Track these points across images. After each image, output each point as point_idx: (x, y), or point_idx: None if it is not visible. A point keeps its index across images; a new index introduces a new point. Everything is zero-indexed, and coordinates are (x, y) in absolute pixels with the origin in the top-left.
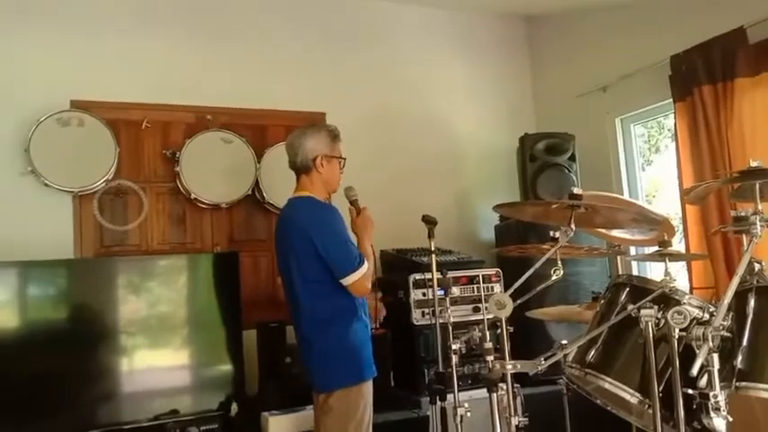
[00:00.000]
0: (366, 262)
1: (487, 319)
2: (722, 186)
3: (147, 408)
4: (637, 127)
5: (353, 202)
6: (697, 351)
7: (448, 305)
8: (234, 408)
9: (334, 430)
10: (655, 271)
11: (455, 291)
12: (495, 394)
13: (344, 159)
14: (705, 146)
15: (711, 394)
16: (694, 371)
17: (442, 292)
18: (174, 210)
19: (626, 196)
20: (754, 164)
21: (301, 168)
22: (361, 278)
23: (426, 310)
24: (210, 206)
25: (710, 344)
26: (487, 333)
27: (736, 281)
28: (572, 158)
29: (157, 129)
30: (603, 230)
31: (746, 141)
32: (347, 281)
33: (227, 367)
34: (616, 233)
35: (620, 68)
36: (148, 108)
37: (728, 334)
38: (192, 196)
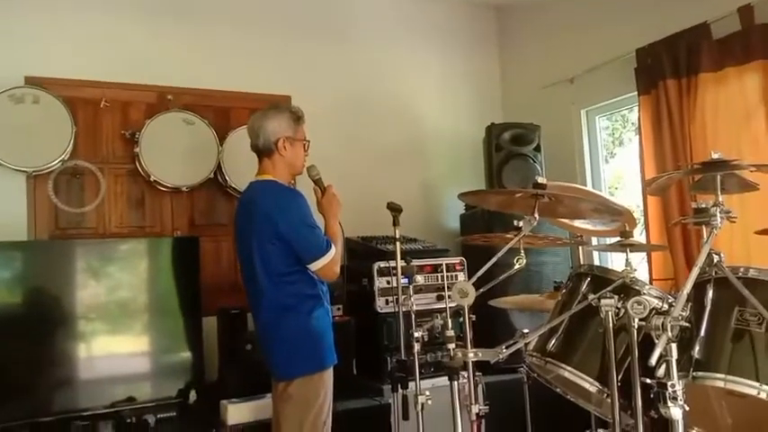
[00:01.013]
0: (334, 246)
1: (450, 307)
2: (683, 178)
3: (103, 395)
4: (601, 119)
5: (317, 182)
6: (656, 341)
7: (411, 293)
8: (192, 395)
9: (293, 418)
10: (616, 262)
11: (419, 279)
12: (456, 382)
13: (308, 142)
14: (668, 139)
15: (669, 383)
16: (653, 360)
17: (407, 281)
18: (133, 192)
19: (589, 187)
20: (715, 155)
21: (263, 151)
22: (329, 262)
23: (390, 298)
24: (171, 189)
25: (669, 333)
26: (449, 321)
27: (695, 272)
28: (537, 149)
29: (116, 108)
30: (566, 221)
31: (708, 136)
32: (315, 266)
33: (186, 354)
34: (578, 224)
35: (587, 60)
36: (107, 86)
37: (687, 324)
38: (152, 179)
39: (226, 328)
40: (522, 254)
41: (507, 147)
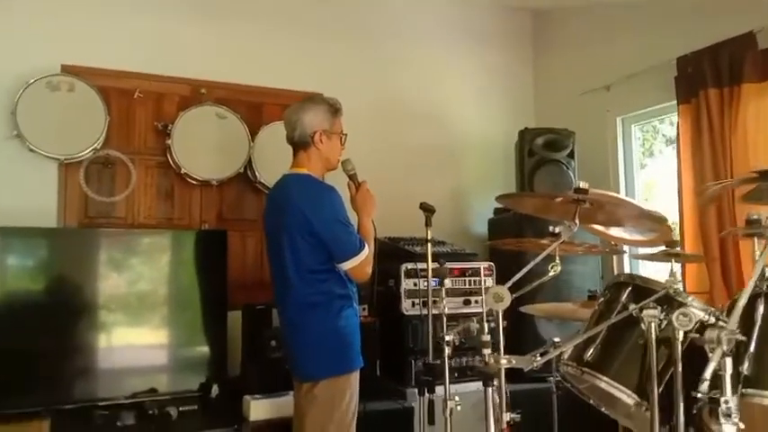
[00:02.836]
0: (367, 246)
1: (479, 311)
2: (724, 190)
3: (125, 385)
4: (636, 128)
5: (352, 177)
6: (710, 354)
7: (443, 296)
8: (215, 389)
9: (318, 420)
10: (650, 272)
11: (447, 282)
12: (490, 388)
13: (345, 135)
14: (708, 150)
15: (723, 399)
16: (707, 374)
17: (436, 283)
18: (163, 184)
19: (623, 196)
20: None
21: (299, 144)
22: (361, 262)
23: (416, 301)
24: (200, 182)
25: (725, 347)
26: (486, 325)
27: (751, 285)
28: (571, 155)
29: (150, 99)
30: (601, 228)
31: (749, 148)
32: (347, 265)
33: (209, 348)
34: (614, 232)
35: (625, 68)
36: (142, 77)
37: (743, 338)
38: (182, 171)
39: (250, 324)
40: (558, 261)
41: (540, 152)
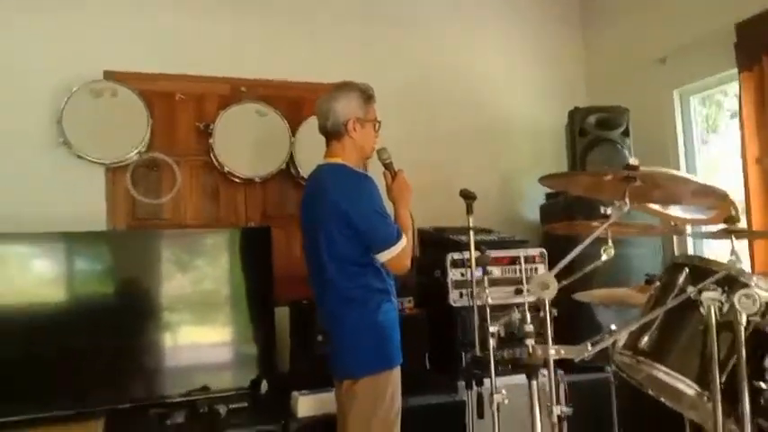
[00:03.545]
0: (404, 236)
1: (529, 300)
2: None
3: (178, 385)
4: (696, 102)
5: (387, 165)
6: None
7: (486, 285)
8: (264, 386)
9: (361, 418)
10: (714, 254)
11: (496, 272)
12: (534, 381)
13: (379, 122)
14: None
15: None
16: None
17: (481, 272)
18: (208, 183)
19: (678, 171)
20: None
21: (332, 133)
22: (399, 253)
23: (464, 291)
24: (244, 180)
25: None
26: (528, 315)
27: None
28: (625, 133)
29: (191, 101)
30: (658, 208)
31: None
32: (384, 257)
33: (258, 345)
34: (672, 211)
35: (680, 37)
36: (182, 79)
37: None
38: (226, 170)
39: (297, 320)
40: (610, 243)
41: (593, 131)
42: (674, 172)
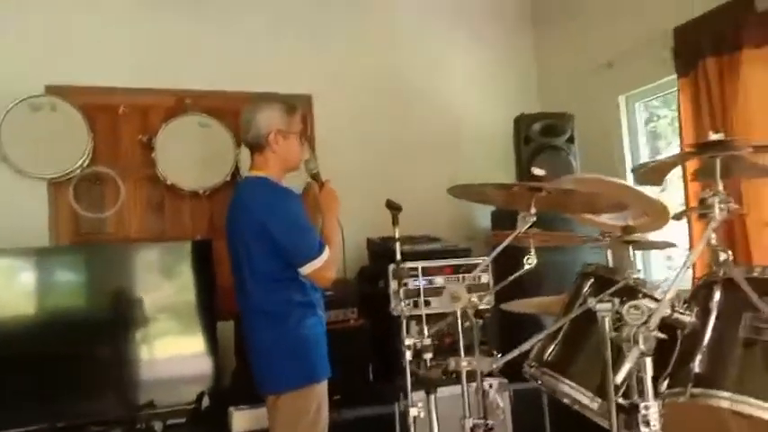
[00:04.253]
0: (327, 250)
1: (460, 310)
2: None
3: (121, 399)
4: (641, 109)
5: (315, 176)
6: (626, 354)
7: (402, 297)
8: (205, 401)
9: None
10: (658, 261)
11: (439, 280)
12: (433, 396)
13: (304, 134)
14: (708, 123)
15: (642, 405)
16: (618, 378)
17: (426, 282)
18: (153, 197)
19: (630, 179)
20: (714, 136)
21: (254, 146)
22: (321, 266)
23: (408, 301)
24: (189, 193)
25: (642, 347)
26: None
27: (681, 272)
28: (570, 140)
29: (136, 114)
30: (592, 216)
31: (751, 118)
32: (306, 270)
33: (201, 359)
34: (605, 219)
35: (626, 42)
36: (126, 92)
37: (664, 336)
38: (169, 182)
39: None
40: (533, 253)
41: (537, 138)
42: (600, 179)
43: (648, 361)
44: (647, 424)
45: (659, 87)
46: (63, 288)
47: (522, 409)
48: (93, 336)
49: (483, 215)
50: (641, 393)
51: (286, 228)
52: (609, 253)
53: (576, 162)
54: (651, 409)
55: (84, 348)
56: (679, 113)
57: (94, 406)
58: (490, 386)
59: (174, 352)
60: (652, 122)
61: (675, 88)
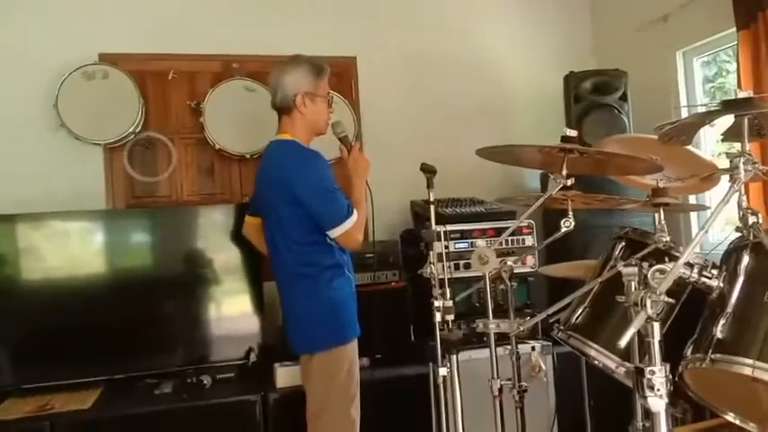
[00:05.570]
0: (356, 212)
1: (489, 273)
2: None
3: (175, 355)
4: (700, 63)
5: (343, 140)
6: (632, 318)
7: (432, 259)
8: (252, 357)
9: (317, 393)
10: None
11: (481, 243)
12: (454, 356)
13: (332, 97)
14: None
15: (648, 370)
16: (622, 342)
17: (467, 245)
18: (203, 161)
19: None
20: (741, 94)
21: (282, 108)
22: (350, 229)
23: (448, 264)
24: (237, 156)
25: (649, 311)
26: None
27: (700, 236)
28: (623, 98)
29: (184, 79)
30: (637, 178)
31: None
32: (335, 232)
33: (249, 318)
34: (649, 180)
35: None
36: (175, 58)
37: (672, 300)
38: (217, 147)
39: None
40: (571, 216)
41: (587, 97)
42: (617, 144)
43: (656, 326)
44: (652, 389)
45: (717, 42)
46: (125, 249)
47: (567, 373)
48: (148, 295)
49: (533, 179)
50: (649, 358)
51: (315, 191)
52: (656, 216)
53: (629, 121)
54: (657, 374)
55: (142, 306)
56: (738, 68)
57: (150, 360)
58: (533, 349)
59: (223, 310)
60: (721, 77)
61: (734, 42)
